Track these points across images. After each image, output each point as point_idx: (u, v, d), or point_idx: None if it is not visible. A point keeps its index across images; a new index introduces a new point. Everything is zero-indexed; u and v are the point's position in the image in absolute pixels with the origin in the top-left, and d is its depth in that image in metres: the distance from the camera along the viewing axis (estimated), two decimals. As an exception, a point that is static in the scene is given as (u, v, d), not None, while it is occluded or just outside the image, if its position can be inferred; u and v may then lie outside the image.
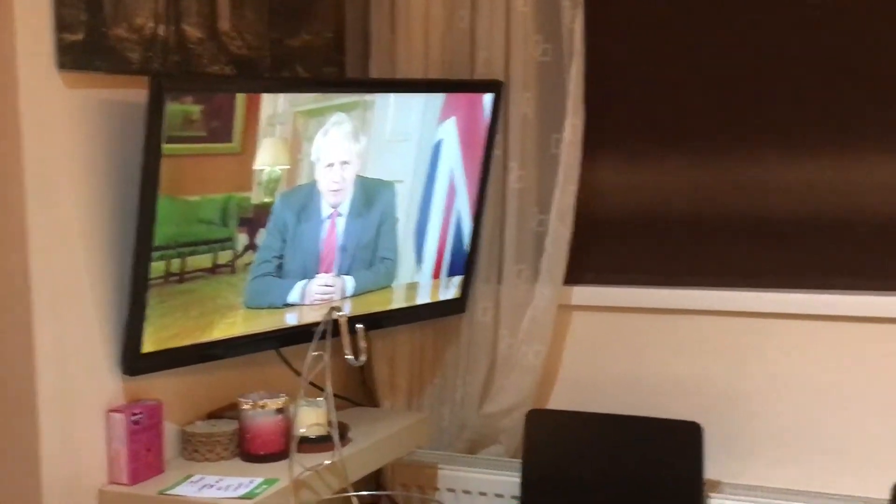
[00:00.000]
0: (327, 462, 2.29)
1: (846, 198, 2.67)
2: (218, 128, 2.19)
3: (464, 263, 2.83)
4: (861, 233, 2.67)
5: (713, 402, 2.77)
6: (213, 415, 2.46)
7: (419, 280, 2.74)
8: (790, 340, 2.71)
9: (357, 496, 2.35)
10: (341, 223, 2.49)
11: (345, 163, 2.46)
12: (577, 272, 2.88)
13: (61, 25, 2.02)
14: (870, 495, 2.54)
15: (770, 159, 2.73)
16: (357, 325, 2.33)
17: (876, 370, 2.63)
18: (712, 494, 2.67)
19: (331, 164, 2.42)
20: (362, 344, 2.31)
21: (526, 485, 2.71)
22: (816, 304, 2.66)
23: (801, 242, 2.73)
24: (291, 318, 2.46)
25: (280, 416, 2.35)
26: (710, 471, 2.68)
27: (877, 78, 2.62)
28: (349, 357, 2.30)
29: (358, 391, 3.00)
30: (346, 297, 2.56)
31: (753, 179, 2.75)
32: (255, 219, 2.30)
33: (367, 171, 2.51)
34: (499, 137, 2.80)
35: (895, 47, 2.59)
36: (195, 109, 2.12)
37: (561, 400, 2.95)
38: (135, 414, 2.19)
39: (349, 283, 2.56)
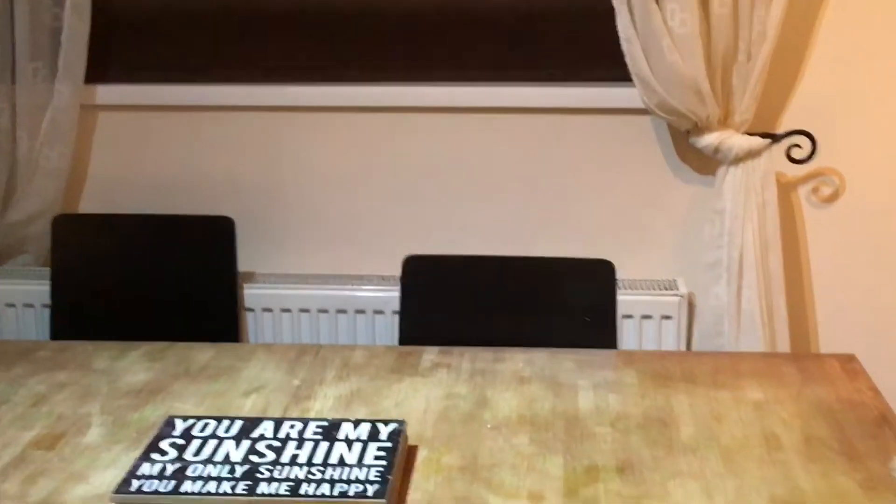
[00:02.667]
0: None
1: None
2: None
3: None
4: (378, 28, 2.78)
5: (245, 196, 2.82)
6: None
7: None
8: (314, 133, 2.79)
9: None
10: None
11: None
12: (101, 70, 2.76)
13: None
14: (387, 273, 2.76)
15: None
16: None
17: (390, 158, 2.80)
18: (247, 285, 2.76)
19: None
20: None
21: (56, 292, 2.62)
22: (337, 96, 2.76)
23: (322, 36, 2.79)
24: None
25: None
26: (245, 263, 2.75)
27: None
28: None
29: None
30: None
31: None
32: None
33: None
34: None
35: None
36: None
37: (92, 204, 2.86)
38: None
39: None
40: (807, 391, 1.94)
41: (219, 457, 1.55)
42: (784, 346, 2.60)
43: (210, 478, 1.49)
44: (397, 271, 2.35)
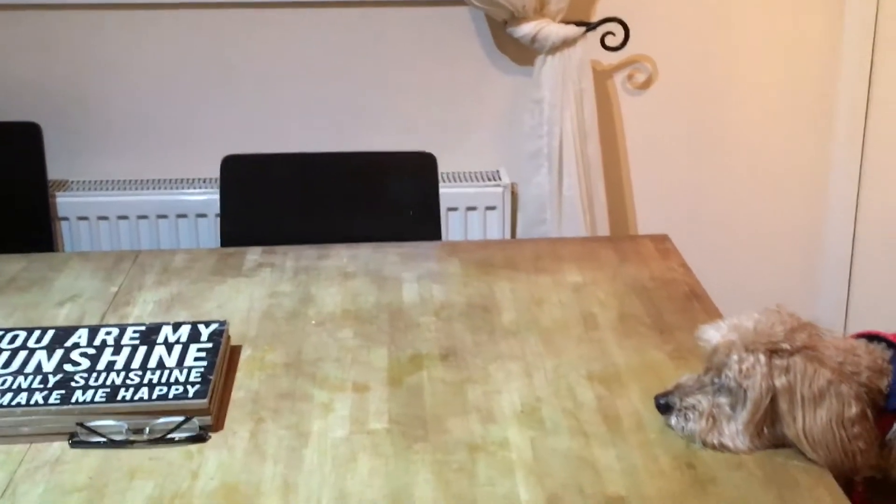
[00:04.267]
0: None
1: None
2: None
3: None
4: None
5: (53, 101, 2.69)
6: None
7: None
8: (122, 33, 2.67)
9: None
10: None
11: None
12: None
13: None
14: (209, 175, 2.69)
15: None
16: None
17: (205, 56, 2.70)
18: (59, 193, 2.65)
19: None
20: None
21: None
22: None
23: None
24: None
25: None
26: (57, 171, 2.63)
27: None
28: None
29: None
30: None
31: None
32: None
33: None
34: None
35: None
36: None
37: None
38: None
39: None
40: (622, 272, 2.01)
41: (30, 368, 1.50)
42: (604, 230, 2.67)
43: (21, 389, 1.44)
44: (214, 172, 2.29)
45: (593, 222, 2.66)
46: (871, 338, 1.45)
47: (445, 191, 2.53)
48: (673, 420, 1.42)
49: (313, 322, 1.80)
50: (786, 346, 1.37)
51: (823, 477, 1.31)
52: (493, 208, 2.67)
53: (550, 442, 1.41)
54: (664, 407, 1.44)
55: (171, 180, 2.72)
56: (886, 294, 2.66)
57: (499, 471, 1.34)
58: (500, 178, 2.71)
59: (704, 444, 1.38)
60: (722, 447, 1.38)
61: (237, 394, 1.54)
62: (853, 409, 1.32)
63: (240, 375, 1.60)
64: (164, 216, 2.64)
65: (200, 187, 2.68)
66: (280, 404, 1.51)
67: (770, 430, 1.37)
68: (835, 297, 2.78)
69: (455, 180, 2.68)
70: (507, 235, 2.71)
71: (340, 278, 1.98)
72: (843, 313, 2.77)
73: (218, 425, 1.45)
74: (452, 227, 2.65)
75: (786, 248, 2.81)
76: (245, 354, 1.67)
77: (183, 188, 2.68)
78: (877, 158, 2.73)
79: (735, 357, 1.38)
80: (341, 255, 2.09)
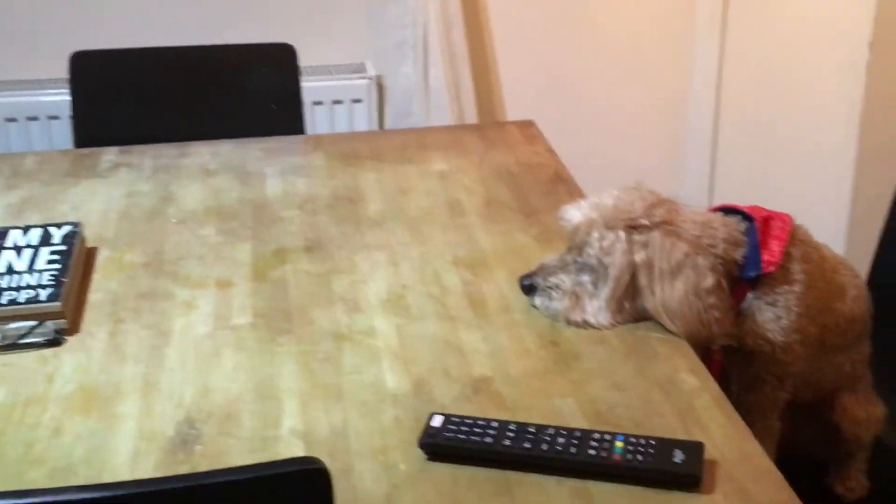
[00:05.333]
0: None
1: None
2: None
3: None
4: None
5: None
6: None
7: None
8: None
9: None
10: None
11: None
12: None
13: None
14: (55, 76, 2.56)
15: None
16: None
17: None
18: None
19: None
20: None
21: None
22: None
23: None
24: None
25: None
26: None
27: None
28: None
29: None
30: None
31: None
32: None
33: None
34: None
35: None
36: None
37: None
38: None
39: None
40: (488, 158, 2.00)
41: None
42: (472, 118, 2.66)
43: None
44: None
45: (461, 111, 2.64)
46: (728, 211, 1.48)
47: (310, 84, 2.47)
48: (537, 300, 1.44)
49: (174, 221, 1.75)
50: (644, 221, 1.38)
51: (681, 347, 1.34)
52: (359, 101, 2.62)
53: (416, 328, 1.41)
54: (528, 288, 1.45)
55: (17, 81, 2.59)
56: (749, 169, 2.72)
57: (365, 359, 1.33)
58: (365, 71, 2.66)
59: (568, 321, 1.40)
60: (585, 324, 1.40)
61: (95, 296, 1.50)
62: (709, 281, 1.35)
63: (97, 277, 1.55)
64: (13, 119, 2.52)
65: (51, 88, 2.55)
66: (140, 304, 1.47)
67: (631, 305, 1.39)
68: (699, 175, 2.84)
69: (320, 73, 2.61)
70: (375, 128, 2.68)
71: (202, 175, 1.93)
72: (707, 190, 2.84)
73: (74, 328, 1.40)
74: (319, 121, 2.60)
75: (651, 128, 2.85)
76: (102, 256, 1.61)
77: (32, 89, 2.56)
78: (738, 35, 2.76)
79: (595, 235, 1.39)
80: (202, 153, 2.03)
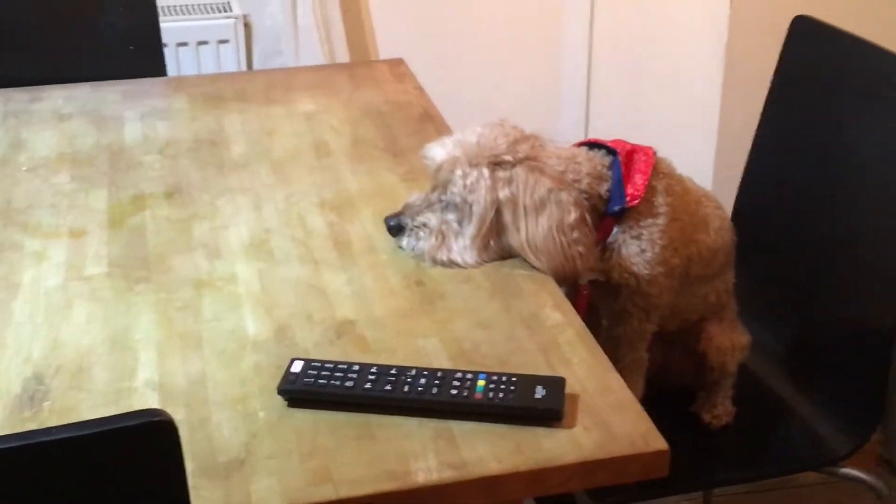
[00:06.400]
0: None
1: None
2: None
3: None
4: None
5: None
6: None
7: None
8: None
9: None
10: None
11: None
12: None
13: None
14: None
15: None
16: None
17: None
18: None
19: None
20: None
21: None
22: None
23: None
24: None
25: None
26: None
27: None
28: None
29: None
30: None
31: None
32: None
33: None
34: None
35: None
36: None
37: None
38: None
39: None
40: (357, 97, 1.96)
41: None
42: (343, 57, 2.60)
43: None
44: None
45: (332, 51, 2.59)
46: (592, 145, 1.47)
47: (172, 24, 2.38)
48: (404, 241, 1.41)
49: (24, 168, 1.67)
50: (508, 158, 1.37)
51: (546, 283, 1.33)
52: (225, 42, 2.54)
53: (280, 272, 1.37)
54: (395, 228, 1.42)
55: None
56: (622, 103, 2.73)
57: (225, 305, 1.30)
58: (230, 10, 2.57)
59: (434, 261, 1.38)
60: (451, 263, 1.38)
61: (-63, 250, 1.42)
62: (572, 215, 1.35)
63: (-60, 231, 1.47)
64: None
65: None
66: (-14, 257, 1.40)
67: (496, 243, 1.38)
68: (575, 110, 2.84)
69: (182, 13, 2.52)
70: (244, 69, 2.60)
71: (55, 121, 1.84)
72: (584, 125, 2.84)
73: (-87, 285, 1.33)
74: (184, 63, 2.51)
75: (525, 65, 2.83)
76: (-54, 207, 1.53)
77: None
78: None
79: (459, 172, 1.37)
80: (56, 97, 1.94)
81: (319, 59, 2.56)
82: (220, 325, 1.26)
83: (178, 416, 1.08)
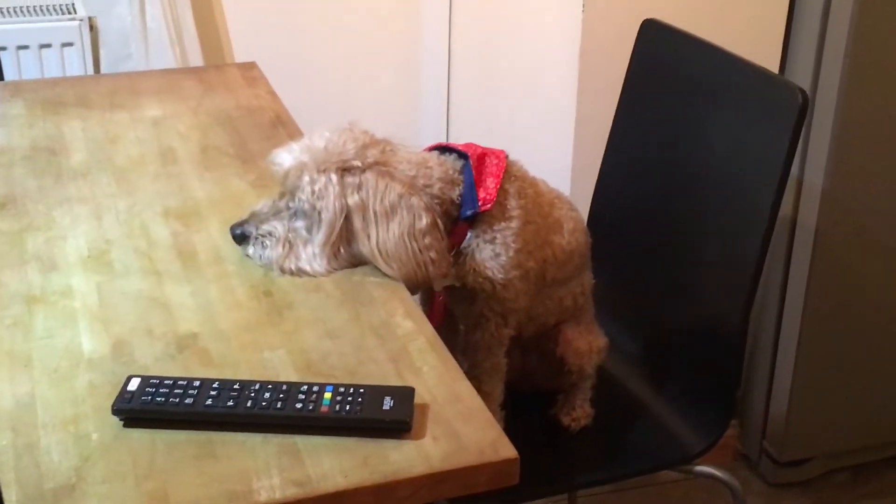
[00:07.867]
0: None
1: None
2: None
3: None
4: None
5: None
6: None
7: None
8: None
9: None
10: None
11: None
12: None
13: None
14: None
15: None
16: None
17: None
18: None
19: None
20: None
21: None
22: None
23: None
24: None
25: None
26: None
27: None
28: None
29: None
30: None
31: None
32: None
33: None
34: None
35: None
36: None
37: None
38: None
39: None
40: (206, 103, 1.90)
41: None
42: (197, 61, 2.52)
43: None
44: None
45: (184, 54, 2.50)
46: (444, 149, 1.45)
47: (10, 27, 2.27)
48: (250, 249, 1.37)
49: None
50: (357, 163, 1.34)
51: (398, 290, 1.31)
52: (70, 45, 2.43)
53: (119, 285, 1.31)
54: (241, 237, 1.37)
55: None
56: (481, 108, 2.72)
57: (60, 321, 1.23)
58: (75, 12, 2.46)
59: (282, 270, 1.34)
60: (300, 271, 1.34)
61: None
62: (424, 221, 1.32)
63: None
64: None
65: None
66: None
67: (347, 250, 1.35)
68: (435, 115, 2.83)
69: (21, 14, 2.40)
70: (91, 74, 2.50)
71: None
72: (445, 132, 2.83)
73: None
74: (26, 68, 2.39)
75: (383, 71, 2.80)
76: None
77: None
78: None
79: (307, 178, 1.33)
80: None
81: (171, 62, 2.47)
82: (53, 342, 1.19)
83: (3, 441, 1.02)
